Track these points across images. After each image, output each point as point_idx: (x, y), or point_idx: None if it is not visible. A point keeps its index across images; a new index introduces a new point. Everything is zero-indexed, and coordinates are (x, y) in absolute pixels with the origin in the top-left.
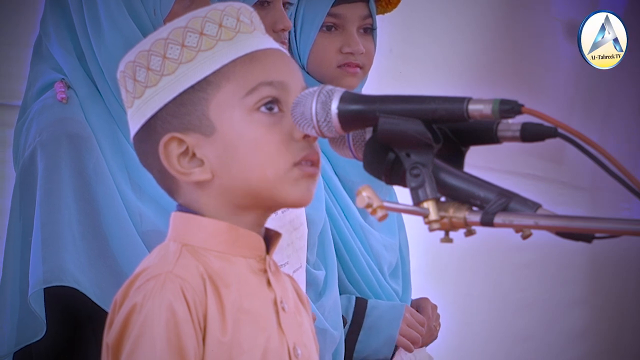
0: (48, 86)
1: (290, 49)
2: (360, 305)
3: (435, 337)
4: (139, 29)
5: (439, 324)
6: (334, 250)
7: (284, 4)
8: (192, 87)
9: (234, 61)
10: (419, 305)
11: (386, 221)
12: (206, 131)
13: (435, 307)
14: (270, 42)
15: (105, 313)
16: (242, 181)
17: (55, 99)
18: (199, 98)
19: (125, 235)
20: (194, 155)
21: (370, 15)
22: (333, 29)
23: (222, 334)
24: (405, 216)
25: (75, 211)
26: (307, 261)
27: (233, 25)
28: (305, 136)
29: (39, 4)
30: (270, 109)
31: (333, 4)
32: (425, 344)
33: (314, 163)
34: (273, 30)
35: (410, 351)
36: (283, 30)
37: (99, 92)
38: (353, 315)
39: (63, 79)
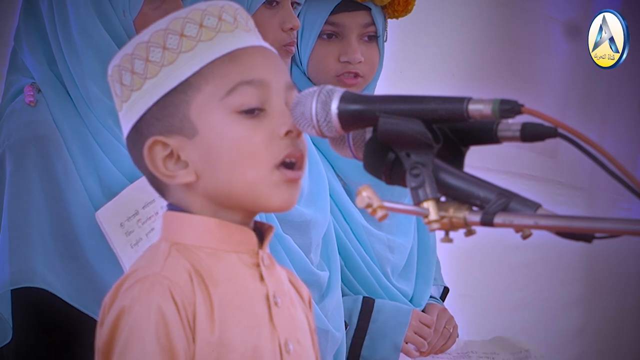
0: (19, 91)
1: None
2: (366, 309)
3: (454, 340)
4: (107, 32)
5: (455, 326)
6: (337, 251)
7: (292, 4)
8: (174, 89)
9: (213, 62)
10: (427, 312)
11: (400, 222)
12: (188, 133)
13: (443, 310)
14: (252, 40)
15: (80, 314)
16: (224, 184)
17: (24, 102)
18: (180, 100)
19: (96, 236)
20: (178, 157)
21: (373, 23)
22: (333, 36)
23: (212, 332)
24: None
25: (45, 213)
26: (312, 262)
27: (214, 24)
28: (288, 132)
29: (19, 3)
30: (252, 112)
31: (332, 12)
32: (442, 350)
33: (297, 161)
34: (282, 30)
35: (412, 357)
36: (292, 29)
37: (69, 95)
38: (359, 319)
39: (33, 82)
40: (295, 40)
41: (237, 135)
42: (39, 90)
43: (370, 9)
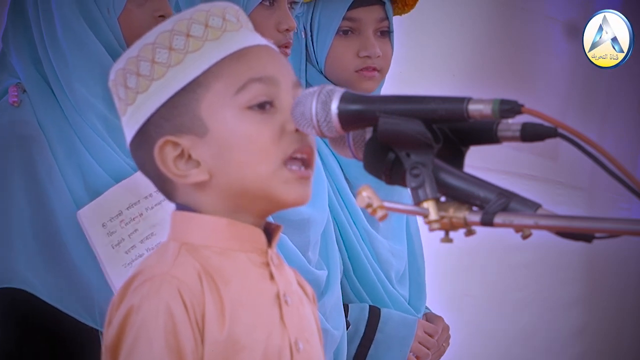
0: (5, 91)
1: (307, 53)
2: (373, 318)
3: (442, 355)
4: (92, 30)
5: (448, 344)
6: (337, 250)
7: (290, 4)
8: (183, 89)
9: (222, 60)
10: (431, 322)
11: (394, 228)
12: (199, 132)
13: (447, 328)
14: (257, 39)
15: (63, 315)
16: (237, 180)
17: (8, 102)
18: (189, 99)
19: (80, 237)
20: (189, 157)
21: (387, 18)
22: (350, 32)
23: (221, 332)
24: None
25: (27, 213)
26: (309, 261)
27: (219, 24)
28: (298, 128)
29: (7, 4)
30: (262, 107)
31: (349, 7)
32: None
33: (306, 160)
34: (277, 31)
35: None
36: (287, 30)
37: (55, 96)
38: (366, 329)
39: (18, 82)
40: (292, 41)
41: (248, 130)
42: (24, 91)
43: (384, 3)
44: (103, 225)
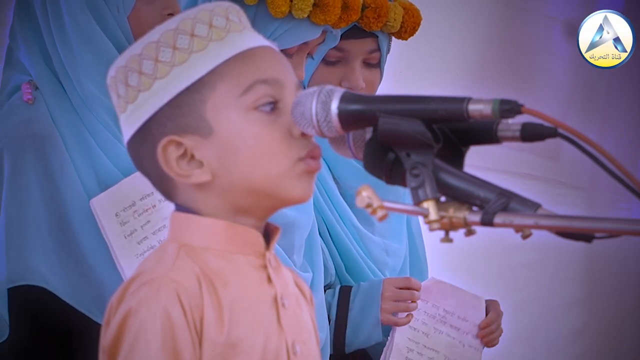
0: (16, 89)
1: None
2: (344, 299)
3: (496, 339)
4: (102, 29)
5: (501, 330)
6: (321, 253)
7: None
8: (187, 88)
9: (227, 61)
10: (488, 308)
11: (393, 227)
12: (204, 132)
13: (501, 313)
14: (261, 40)
15: (76, 312)
16: (243, 180)
17: (21, 100)
18: (194, 99)
19: (94, 234)
20: (192, 157)
21: (378, 49)
22: (336, 62)
23: (220, 334)
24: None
25: (42, 211)
26: (294, 264)
27: (223, 24)
28: (304, 133)
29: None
30: (268, 108)
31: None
32: (491, 342)
33: (316, 157)
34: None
35: (402, 324)
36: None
37: (66, 92)
38: (337, 311)
39: (30, 80)
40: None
41: (255, 132)
42: (37, 88)
43: (377, 35)
44: (116, 215)
